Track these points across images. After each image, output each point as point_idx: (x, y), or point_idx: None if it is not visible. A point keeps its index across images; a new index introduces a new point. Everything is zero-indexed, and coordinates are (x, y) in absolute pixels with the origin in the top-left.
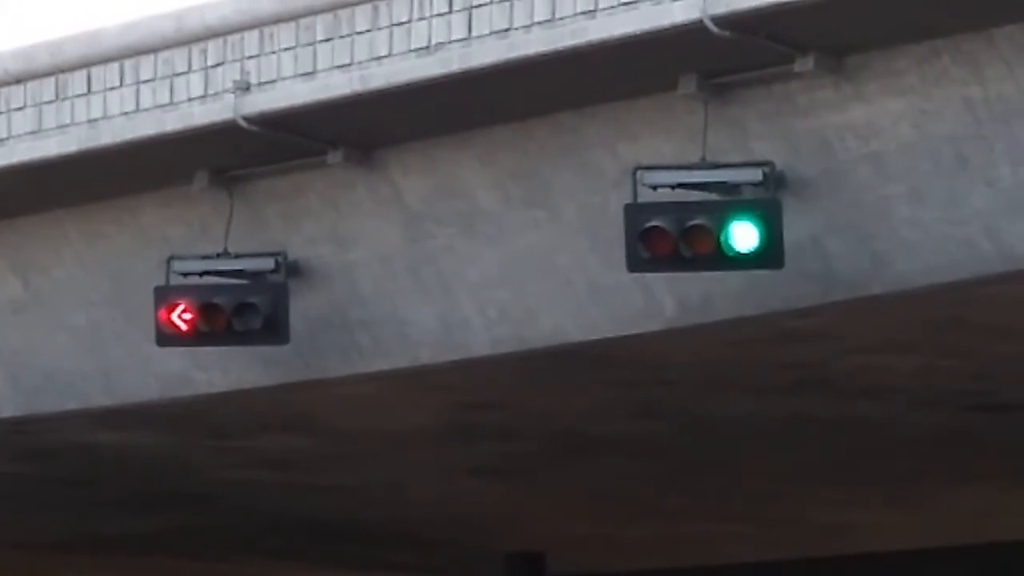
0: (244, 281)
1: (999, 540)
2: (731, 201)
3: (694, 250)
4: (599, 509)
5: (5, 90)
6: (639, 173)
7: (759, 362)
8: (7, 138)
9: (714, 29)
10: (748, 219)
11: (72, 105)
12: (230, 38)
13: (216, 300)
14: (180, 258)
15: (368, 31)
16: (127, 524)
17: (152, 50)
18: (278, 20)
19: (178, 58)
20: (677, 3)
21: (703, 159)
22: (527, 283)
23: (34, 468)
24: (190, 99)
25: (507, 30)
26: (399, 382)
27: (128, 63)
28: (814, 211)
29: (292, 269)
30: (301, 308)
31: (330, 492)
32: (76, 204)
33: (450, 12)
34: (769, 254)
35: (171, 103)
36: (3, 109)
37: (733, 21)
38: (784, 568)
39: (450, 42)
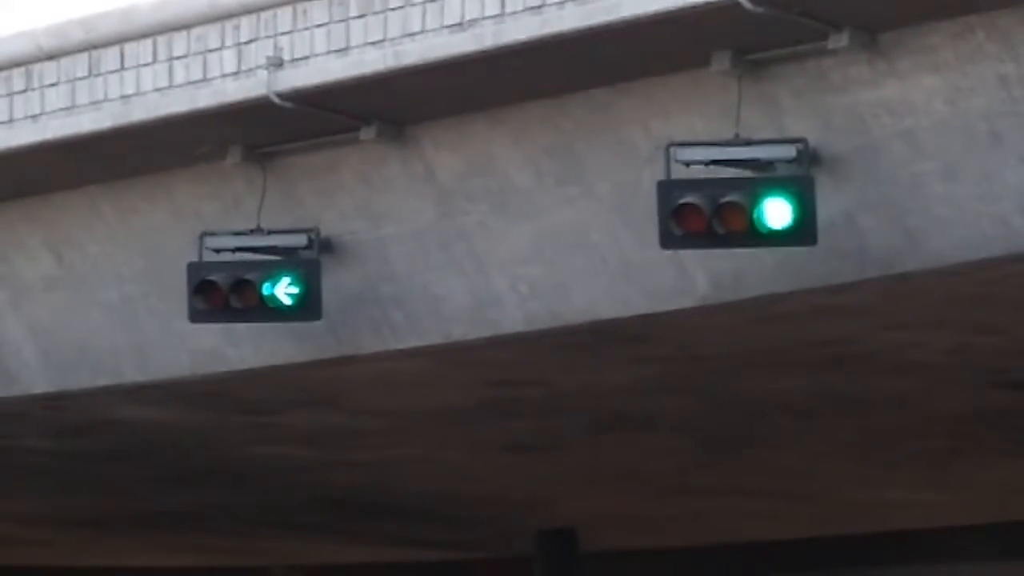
0: (277, 257)
1: None
2: (764, 178)
3: (727, 227)
4: (631, 486)
5: (39, 66)
6: (672, 150)
7: (792, 339)
8: (40, 114)
9: (748, 5)
10: (781, 196)
11: (105, 81)
12: (263, 14)
13: (249, 276)
14: (213, 234)
15: (401, 7)
16: (159, 500)
17: (185, 26)
18: None
19: (211, 34)
20: None
21: (736, 136)
22: (560, 259)
23: (66, 444)
24: (223, 75)
25: (540, 6)
26: (431, 358)
27: (161, 39)
28: (847, 188)
29: (325, 245)
30: (334, 284)
31: (362, 468)
32: (109, 180)
33: None
34: (802, 231)
35: (204, 79)
36: (36, 85)
37: None
38: (816, 544)
39: (483, 18)
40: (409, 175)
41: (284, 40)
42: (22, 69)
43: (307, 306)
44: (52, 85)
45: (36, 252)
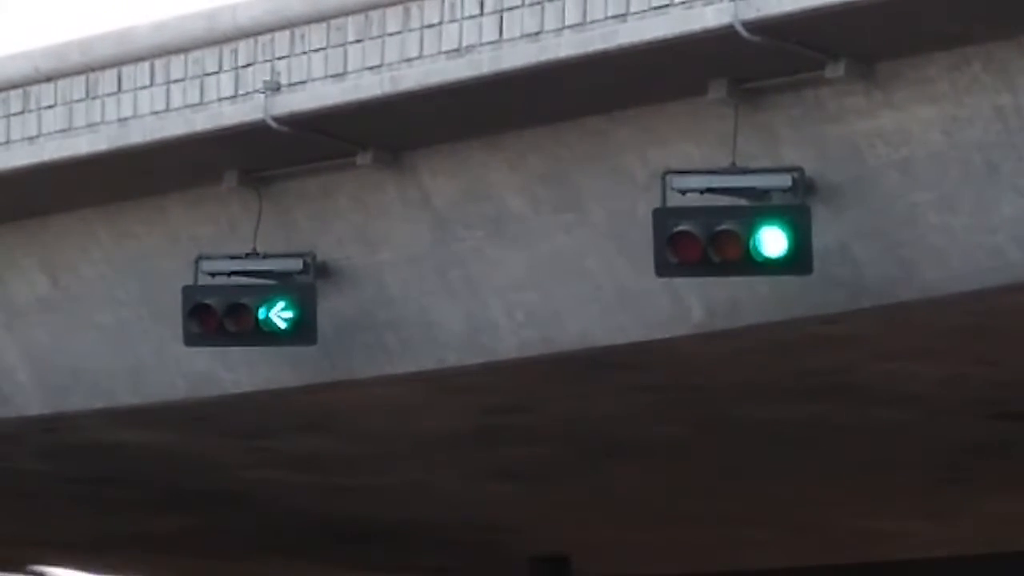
0: (272, 281)
1: None
2: (760, 206)
3: (722, 255)
4: (624, 513)
5: (36, 88)
6: (668, 177)
7: (786, 367)
8: (37, 136)
9: (745, 34)
10: (777, 225)
11: (103, 104)
12: (261, 38)
13: (244, 300)
14: (208, 258)
15: (399, 33)
16: (152, 523)
17: (183, 50)
18: (309, 21)
19: (209, 58)
20: (708, 7)
21: (732, 164)
22: (555, 286)
23: (60, 466)
24: (220, 99)
25: (538, 33)
26: (425, 384)
27: (159, 62)
28: (843, 217)
29: (320, 270)
30: (329, 309)
31: (355, 493)
32: (105, 203)
33: (481, 14)
34: (797, 260)
35: (201, 103)
36: (34, 107)
37: (764, 26)
38: (810, 574)
39: (481, 44)
40: (405, 201)
41: (281, 64)
42: (19, 90)
43: (302, 330)
44: (49, 107)
45: (31, 274)
